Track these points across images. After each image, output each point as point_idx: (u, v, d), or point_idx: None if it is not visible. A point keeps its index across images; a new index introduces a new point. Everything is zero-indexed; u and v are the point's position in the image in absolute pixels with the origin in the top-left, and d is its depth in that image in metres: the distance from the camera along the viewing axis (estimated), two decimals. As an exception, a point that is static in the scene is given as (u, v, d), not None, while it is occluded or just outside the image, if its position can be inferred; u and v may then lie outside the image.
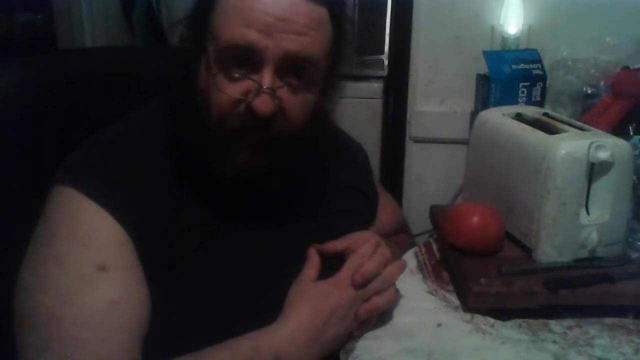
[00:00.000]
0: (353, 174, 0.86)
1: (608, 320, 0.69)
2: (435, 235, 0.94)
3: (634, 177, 0.79)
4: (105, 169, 0.65)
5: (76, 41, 1.65)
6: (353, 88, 1.32)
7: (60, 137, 0.73)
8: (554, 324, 0.69)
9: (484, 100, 1.14)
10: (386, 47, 1.33)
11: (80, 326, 0.58)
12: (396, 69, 1.37)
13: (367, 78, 1.36)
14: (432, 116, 1.35)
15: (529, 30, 1.21)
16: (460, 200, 1.25)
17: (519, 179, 0.80)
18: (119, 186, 0.64)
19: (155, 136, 0.70)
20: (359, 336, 0.68)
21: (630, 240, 0.80)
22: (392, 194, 1.02)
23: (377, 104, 1.37)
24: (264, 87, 0.62)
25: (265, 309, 0.64)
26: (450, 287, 0.78)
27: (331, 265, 0.69)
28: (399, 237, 0.96)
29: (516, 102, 1.11)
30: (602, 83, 1.11)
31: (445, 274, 0.81)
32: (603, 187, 0.75)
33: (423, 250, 0.88)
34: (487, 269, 0.74)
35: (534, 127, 0.82)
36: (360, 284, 0.67)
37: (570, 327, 0.68)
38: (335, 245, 0.71)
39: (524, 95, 1.11)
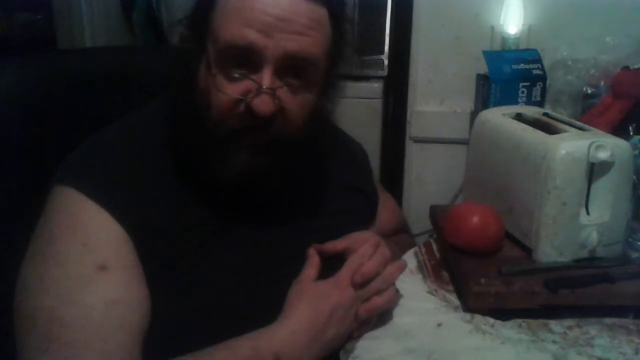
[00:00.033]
0: (353, 174, 0.86)
1: (608, 320, 0.69)
2: (435, 235, 0.94)
3: (634, 177, 0.79)
4: (105, 169, 0.65)
5: (76, 41, 1.65)
6: (353, 88, 1.32)
7: (60, 137, 0.73)
8: (554, 324, 0.69)
9: (484, 100, 1.14)
10: (386, 47, 1.33)
11: (80, 326, 0.58)
12: (396, 69, 1.37)
13: (367, 78, 1.35)
14: (432, 116, 1.35)
15: (529, 30, 1.20)
16: (460, 200, 1.25)
17: (519, 179, 0.80)
18: (119, 186, 0.64)
19: (155, 136, 0.70)
20: (359, 336, 0.68)
21: (630, 240, 0.80)
22: (392, 194, 1.02)
23: (377, 104, 1.37)
24: (264, 87, 0.62)
25: (265, 309, 0.65)
26: (450, 287, 0.78)
27: (331, 265, 0.69)
28: (399, 237, 0.96)
29: (516, 102, 1.11)
30: (602, 83, 1.11)
31: (445, 274, 0.81)
32: (603, 187, 0.75)
33: (423, 250, 0.88)
34: (487, 269, 0.74)
35: (534, 127, 0.82)
36: (360, 284, 0.67)
37: (570, 327, 0.68)
38: (335, 245, 0.71)
39: (524, 95, 1.11)
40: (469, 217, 0.78)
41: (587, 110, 1.11)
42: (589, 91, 1.13)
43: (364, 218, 0.85)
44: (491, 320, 0.70)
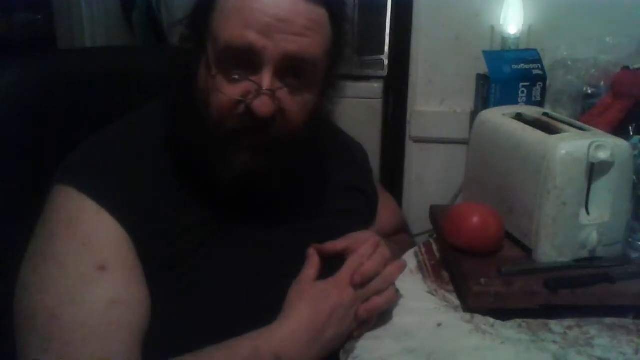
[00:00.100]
0: (353, 174, 0.86)
1: (608, 320, 0.69)
2: (435, 235, 0.94)
3: (634, 177, 0.79)
4: (105, 169, 0.65)
5: (76, 41, 1.65)
6: (353, 88, 1.32)
7: (60, 137, 0.73)
8: (554, 324, 0.69)
9: (484, 100, 1.14)
10: (386, 47, 1.33)
11: (80, 326, 0.58)
12: (396, 69, 1.37)
13: (367, 78, 1.35)
14: (432, 116, 1.35)
15: (529, 30, 1.20)
16: (460, 200, 1.25)
17: (519, 179, 0.80)
18: (119, 186, 0.64)
19: (155, 136, 0.70)
20: (359, 336, 0.68)
21: (630, 240, 0.80)
22: (392, 194, 1.02)
23: (377, 104, 1.37)
24: (264, 88, 0.62)
25: (265, 309, 0.65)
26: (450, 287, 0.78)
27: (331, 265, 0.69)
28: (399, 237, 0.96)
29: (516, 102, 1.11)
30: (602, 83, 1.11)
31: (445, 274, 0.81)
32: (603, 187, 0.75)
33: (423, 250, 0.88)
34: (487, 269, 0.74)
35: (534, 127, 0.82)
36: (360, 284, 0.67)
37: (570, 327, 0.68)
38: (335, 245, 0.71)
39: (524, 95, 1.11)
40: (469, 217, 0.78)
41: (587, 110, 1.11)
42: (589, 91, 1.13)
43: (364, 218, 0.85)
44: (491, 320, 0.70)
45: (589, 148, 0.73)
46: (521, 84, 1.11)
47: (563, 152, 0.73)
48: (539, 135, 0.78)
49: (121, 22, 1.77)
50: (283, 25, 0.61)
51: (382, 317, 0.70)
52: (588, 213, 0.75)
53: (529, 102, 1.11)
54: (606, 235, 0.75)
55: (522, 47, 1.18)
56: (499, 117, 0.88)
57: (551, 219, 0.75)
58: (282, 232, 0.71)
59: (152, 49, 1.43)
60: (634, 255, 0.78)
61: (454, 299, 0.76)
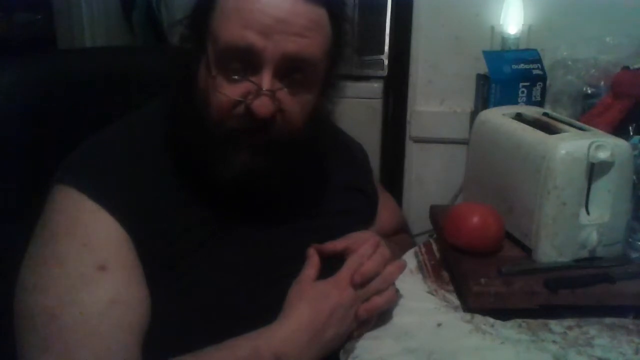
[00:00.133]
0: (353, 174, 0.86)
1: (608, 320, 0.69)
2: (435, 235, 0.94)
3: (634, 177, 0.79)
4: (105, 169, 0.65)
5: (76, 41, 1.65)
6: (353, 88, 1.32)
7: (60, 137, 0.73)
8: (554, 324, 0.69)
9: (484, 100, 1.14)
10: (386, 47, 1.33)
11: (80, 326, 0.58)
12: (396, 69, 1.37)
13: (367, 78, 1.35)
14: (432, 116, 1.35)
15: (529, 30, 1.20)
16: (460, 200, 1.25)
17: (519, 179, 0.80)
18: (119, 186, 0.64)
19: (155, 136, 0.70)
20: (359, 336, 0.68)
21: (630, 240, 0.79)
22: (392, 194, 1.02)
23: (377, 104, 1.37)
24: (263, 89, 0.62)
25: (265, 309, 0.65)
26: (450, 287, 0.78)
27: (331, 265, 0.69)
28: (399, 237, 0.96)
29: (516, 102, 1.11)
30: (602, 83, 1.11)
31: (445, 274, 0.81)
32: (603, 187, 0.75)
33: (423, 250, 0.88)
34: (487, 269, 0.74)
35: (534, 127, 0.82)
36: (360, 284, 0.67)
37: (570, 327, 0.68)
38: (335, 245, 0.71)
39: (524, 95, 1.11)
40: (469, 217, 0.78)
41: (587, 110, 1.11)
42: (589, 91, 1.13)
43: (364, 218, 0.85)
44: (491, 320, 0.70)
45: (589, 148, 0.73)
46: (521, 84, 1.11)
47: (563, 152, 0.73)
48: (539, 135, 0.78)
49: (121, 22, 1.77)
50: (283, 25, 0.61)
51: (382, 317, 0.70)
52: (588, 213, 0.75)
53: (529, 102, 1.11)
54: (606, 235, 0.75)
55: (522, 47, 1.18)
56: (499, 117, 0.88)
57: (551, 219, 0.75)
58: (282, 232, 0.71)
59: (152, 49, 1.43)
60: (634, 255, 0.78)
61: (454, 299, 0.76)
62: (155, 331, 0.62)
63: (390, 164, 1.46)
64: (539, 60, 1.13)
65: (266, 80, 0.62)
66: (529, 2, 1.19)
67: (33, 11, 2.02)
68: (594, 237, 0.74)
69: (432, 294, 0.77)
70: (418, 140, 1.38)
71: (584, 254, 0.76)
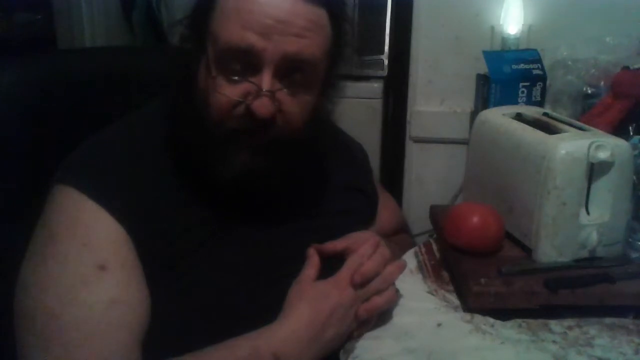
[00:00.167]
0: (353, 174, 0.86)
1: (608, 320, 0.70)
2: (435, 235, 0.94)
3: (634, 177, 0.79)
4: (105, 169, 0.65)
5: (76, 41, 1.65)
6: (353, 88, 1.32)
7: (60, 137, 0.73)
8: (554, 324, 0.69)
9: (484, 100, 1.14)
10: (386, 47, 1.33)
11: (80, 325, 0.58)
12: (396, 69, 1.37)
13: (367, 78, 1.35)
14: (432, 116, 1.35)
15: (529, 30, 1.20)
16: (460, 200, 1.25)
17: (519, 179, 0.80)
18: (119, 186, 0.64)
19: (155, 136, 0.70)
20: (359, 336, 0.68)
21: (630, 240, 0.80)
22: (392, 194, 1.02)
23: (377, 104, 1.37)
24: (263, 89, 0.62)
25: (265, 309, 0.65)
26: (450, 287, 0.78)
27: (331, 265, 0.69)
28: (399, 237, 0.96)
29: (516, 102, 1.11)
30: (602, 83, 1.11)
31: (445, 274, 0.81)
32: (603, 187, 0.75)
33: (423, 250, 0.88)
34: (487, 269, 0.74)
35: (534, 127, 0.82)
36: (360, 284, 0.67)
37: (570, 327, 0.68)
38: (335, 245, 0.71)
39: (524, 95, 1.11)
40: (469, 217, 0.78)
41: (587, 110, 1.11)
42: (589, 91, 1.13)
43: (364, 218, 0.85)
44: (491, 320, 0.70)
45: (589, 148, 0.73)
46: (521, 84, 1.11)
47: (563, 152, 0.73)
48: (539, 135, 0.78)
49: (121, 22, 1.77)
50: (283, 26, 0.61)
51: (382, 317, 0.70)
52: (588, 213, 0.75)
53: (529, 102, 1.11)
54: (606, 235, 0.75)
55: (522, 47, 1.18)
56: (499, 117, 0.88)
57: (551, 219, 0.75)
58: (282, 232, 0.71)
59: (152, 49, 1.43)
60: (634, 255, 0.78)
61: (454, 299, 0.76)
62: (155, 331, 0.62)
63: (390, 164, 1.46)
64: (539, 60, 1.13)
65: (266, 80, 0.62)
66: (529, 2, 1.19)
67: (33, 11, 2.02)
68: (594, 237, 0.74)
69: (432, 294, 0.77)
70: (418, 140, 1.38)
71: (584, 254, 0.76)
